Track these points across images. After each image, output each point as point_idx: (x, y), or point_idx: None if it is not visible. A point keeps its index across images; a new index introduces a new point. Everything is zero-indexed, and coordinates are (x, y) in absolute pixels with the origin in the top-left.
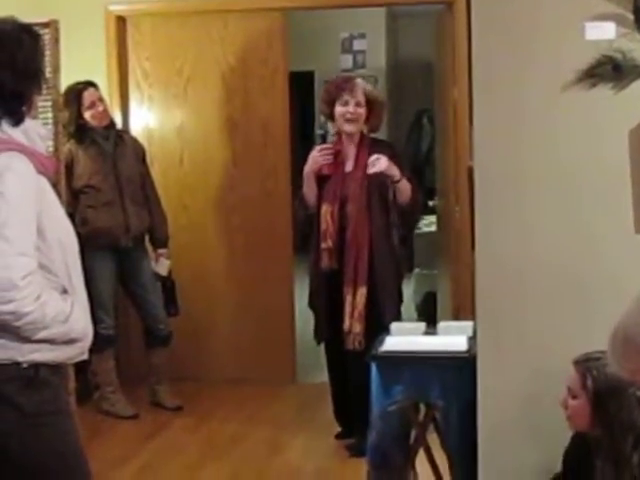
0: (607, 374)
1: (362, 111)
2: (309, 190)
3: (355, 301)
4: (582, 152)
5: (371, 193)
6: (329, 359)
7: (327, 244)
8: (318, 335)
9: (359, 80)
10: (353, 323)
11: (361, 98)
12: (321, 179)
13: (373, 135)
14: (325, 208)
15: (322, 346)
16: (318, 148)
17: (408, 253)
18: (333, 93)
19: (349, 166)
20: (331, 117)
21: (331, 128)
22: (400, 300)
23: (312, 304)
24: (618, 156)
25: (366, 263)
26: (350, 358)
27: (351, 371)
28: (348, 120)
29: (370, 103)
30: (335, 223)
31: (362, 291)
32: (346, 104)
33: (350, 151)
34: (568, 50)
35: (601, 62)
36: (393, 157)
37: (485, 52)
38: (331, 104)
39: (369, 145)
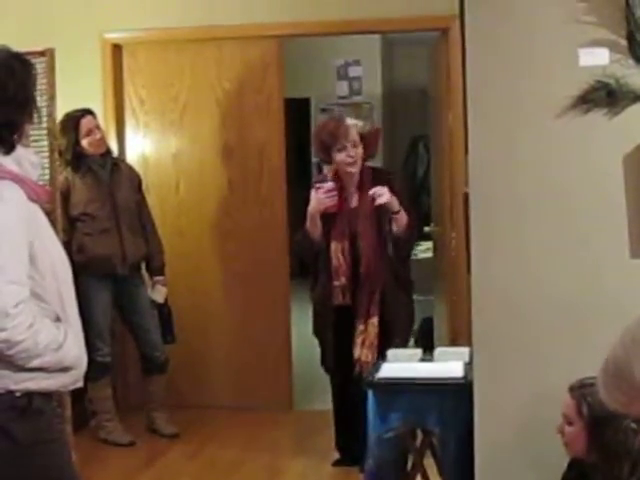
0: (602, 400)
1: (360, 150)
2: (314, 229)
3: (367, 331)
4: (577, 177)
5: (381, 226)
6: (334, 387)
7: (341, 281)
8: (326, 364)
9: (349, 121)
10: (365, 352)
11: (356, 138)
12: (324, 216)
13: (371, 164)
14: (335, 246)
15: (319, 373)
16: (323, 189)
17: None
18: (328, 141)
19: (354, 202)
20: (329, 162)
21: (327, 170)
22: (411, 325)
23: (317, 333)
24: (614, 181)
25: (378, 297)
26: (359, 385)
27: (360, 398)
28: (349, 164)
29: (364, 138)
30: (347, 260)
31: (373, 321)
32: (343, 149)
33: (352, 186)
34: (562, 76)
35: (595, 88)
36: (393, 187)
37: (480, 78)
38: (327, 151)
39: (370, 178)
